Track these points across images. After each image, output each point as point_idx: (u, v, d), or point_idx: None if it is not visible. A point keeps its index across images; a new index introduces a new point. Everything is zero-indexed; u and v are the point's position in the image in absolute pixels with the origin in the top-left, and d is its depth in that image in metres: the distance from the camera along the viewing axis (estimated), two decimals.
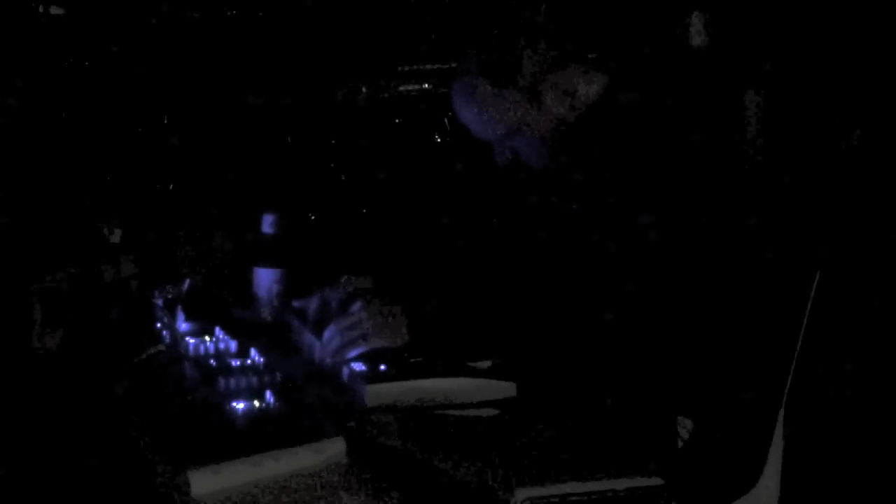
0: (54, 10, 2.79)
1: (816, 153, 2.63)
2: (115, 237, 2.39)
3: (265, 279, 2.12)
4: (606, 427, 1.55)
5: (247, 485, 1.30)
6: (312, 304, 1.94)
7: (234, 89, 2.94)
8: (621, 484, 1.31)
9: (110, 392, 1.74)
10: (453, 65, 1.84)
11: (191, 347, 1.81)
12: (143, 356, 1.85)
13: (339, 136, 3.08)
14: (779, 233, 1.67)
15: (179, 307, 1.99)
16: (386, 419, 1.54)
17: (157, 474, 1.39)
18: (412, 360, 1.72)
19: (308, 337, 1.88)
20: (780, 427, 1.70)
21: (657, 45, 1.84)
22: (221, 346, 1.82)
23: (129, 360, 1.85)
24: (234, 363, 1.72)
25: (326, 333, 1.78)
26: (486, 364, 1.70)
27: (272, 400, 1.56)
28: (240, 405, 1.54)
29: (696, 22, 2.67)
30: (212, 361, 1.73)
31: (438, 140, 3.07)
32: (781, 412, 1.70)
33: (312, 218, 2.97)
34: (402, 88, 3.06)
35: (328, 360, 1.76)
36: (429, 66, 3.04)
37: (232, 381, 1.62)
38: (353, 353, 1.73)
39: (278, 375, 1.66)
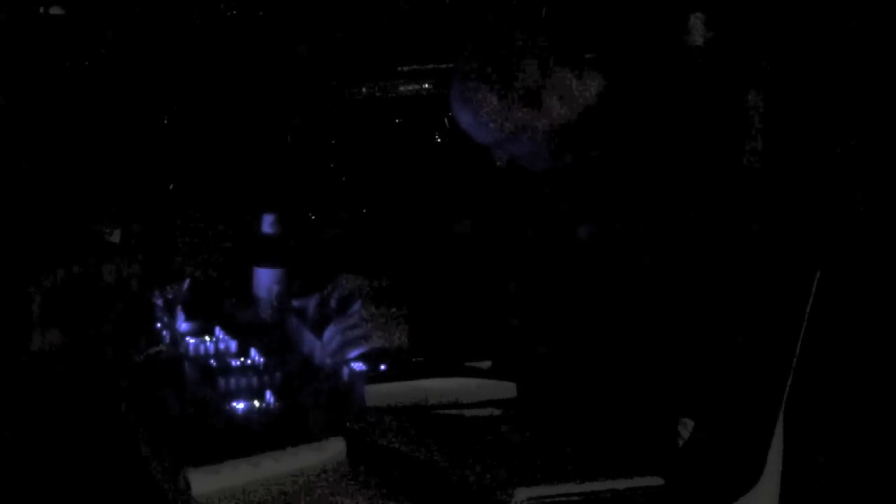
0: (54, 10, 2.79)
1: (817, 153, 2.63)
2: (115, 237, 2.38)
3: (265, 279, 2.12)
4: (606, 427, 1.55)
5: (247, 485, 1.30)
6: (312, 303, 1.94)
7: (234, 89, 2.94)
8: (621, 484, 1.31)
9: (110, 392, 1.74)
10: (453, 65, 1.84)
11: (191, 347, 1.81)
12: (143, 356, 1.85)
13: (339, 136, 3.08)
14: (779, 233, 1.66)
15: (179, 307, 1.99)
16: (386, 419, 1.54)
17: (157, 474, 1.39)
18: (412, 360, 1.72)
19: (308, 337, 1.88)
20: (780, 427, 1.70)
21: (656, 45, 1.83)
22: (221, 346, 1.82)
23: (129, 360, 1.85)
24: (234, 363, 1.72)
25: (326, 333, 1.78)
26: (486, 364, 1.70)
27: (272, 400, 1.56)
28: (240, 405, 1.54)
29: (696, 22, 2.67)
30: (212, 361, 1.73)
31: (438, 140, 3.07)
32: (781, 412, 1.69)
33: (312, 218, 2.97)
34: (402, 88, 3.06)
35: (328, 360, 1.76)
36: (429, 66, 3.04)
37: (232, 381, 1.62)
38: (354, 353, 1.74)
39: (278, 375, 1.66)
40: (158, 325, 2.01)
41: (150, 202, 2.71)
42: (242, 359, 1.74)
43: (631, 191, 1.68)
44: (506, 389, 1.64)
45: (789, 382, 1.69)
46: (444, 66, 2.96)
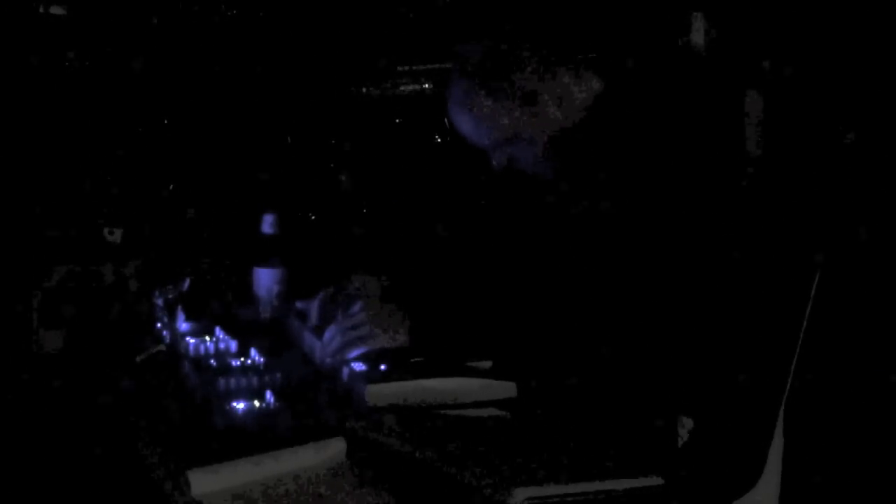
0: (54, 10, 2.79)
1: (817, 153, 2.63)
2: (116, 237, 2.38)
3: (265, 279, 2.12)
4: (606, 427, 1.55)
5: (247, 485, 1.30)
6: (314, 305, 1.93)
7: (234, 89, 2.94)
8: (621, 484, 1.31)
9: (110, 392, 1.74)
10: (450, 66, 1.83)
11: (191, 347, 1.81)
12: (143, 356, 1.85)
13: (339, 136, 3.08)
14: (779, 233, 1.66)
15: (179, 307, 1.99)
16: (386, 419, 1.54)
17: (158, 474, 1.39)
18: (412, 360, 1.72)
19: (308, 337, 1.88)
20: (780, 427, 1.70)
21: (654, 46, 1.83)
22: (221, 346, 1.82)
23: (129, 360, 1.85)
24: (234, 363, 1.72)
25: (327, 334, 1.78)
26: (486, 364, 1.70)
27: (272, 400, 1.56)
28: (240, 405, 1.54)
29: (695, 23, 2.67)
30: (212, 361, 1.73)
31: (438, 140, 3.07)
32: (781, 412, 1.69)
33: (312, 218, 2.97)
34: (402, 88, 3.06)
35: (329, 361, 1.77)
36: (429, 66, 3.04)
37: (232, 381, 1.62)
38: (354, 353, 1.74)
39: (278, 375, 1.66)
40: (158, 325, 2.01)
41: (150, 202, 2.71)
42: (242, 359, 1.74)
43: (631, 191, 1.68)
44: (506, 389, 1.64)
45: (789, 382, 1.69)
46: (444, 66, 2.96)
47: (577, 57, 1.73)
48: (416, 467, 1.36)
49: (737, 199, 1.66)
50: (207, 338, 1.85)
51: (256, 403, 1.55)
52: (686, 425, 1.62)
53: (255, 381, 1.63)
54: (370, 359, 1.72)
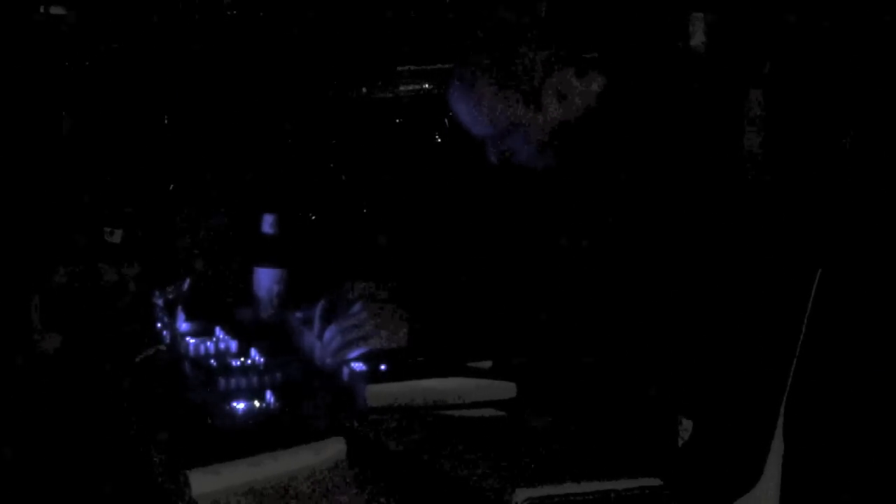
0: (54, 10, 2.79)
1: (817, 153, 2.63)
2: (116, 237, 2.39)
3: (265, 279, 2.12)
4: (606, 427, 1.55)
5: (247, 485, 1.30)
6: (317, 311, 1.92)
7: (235, 89, 2.94)
8: (621, 484, 1.31)
9: (110, 392, 1.74)
10: (457, 55, 1.83)
11: (191, 347, 1.81)
12: (143, 356, 1.86)
13: (339, 136, 3.08)
14: (779, 233, 1.66)
15: (179, 307, 1.99)
16: (386, 419, 1.54)
17: (157, 474, 1.39)
18: (412, 360, 1.72)
19: (308, 337, 1.88)
20: (780, 427, 1.70)
21: (656, 47, 1.84)
22: (221, 346, 1.82)
23: (129, 360, 1.85)
24: (234, 363, 1.72)
25: (327, 333, 1.78)
26: (486, 364, 1.70)
27: (272, 400, 1.56)
28: (240, 405, 1.54)
29: (696, 23, 2.67)
30: (212, 361, 1.73)
31: (438, 140, 3.07)
32: (781, 412, 1.69)
33: (313, 218, 2.97)
34: (402, 88, 3.06)
35: (329, 361, 1.76)
36: (429, 66, 3.04)
37: (232, 381, 1.62)
38: (354, 353, 1.74)
39: (278, 375, 1.66)
40: (159, 325, 2.01)
41: (150, 202, 2.71)
42: (242, 359, 1.75)
43: (631, 190, 1.68)
44: (506, 389, 1.64)
45: (789, 382, 1.69)
46: (444, 65, 2.96)
47: (582, 56, 1.73)
48: (415, 467, 1.36)
49: (737, 199, 1.66)
50: (207, 338, 1.85)
51: (256, 403, 1.55)
52: (686, 425, 1.62)
53: (255, 381, 1.63)
54: (370, 359, 1.72)
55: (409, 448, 1.41)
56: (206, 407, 1.57)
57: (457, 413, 1.59)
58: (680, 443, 1.63)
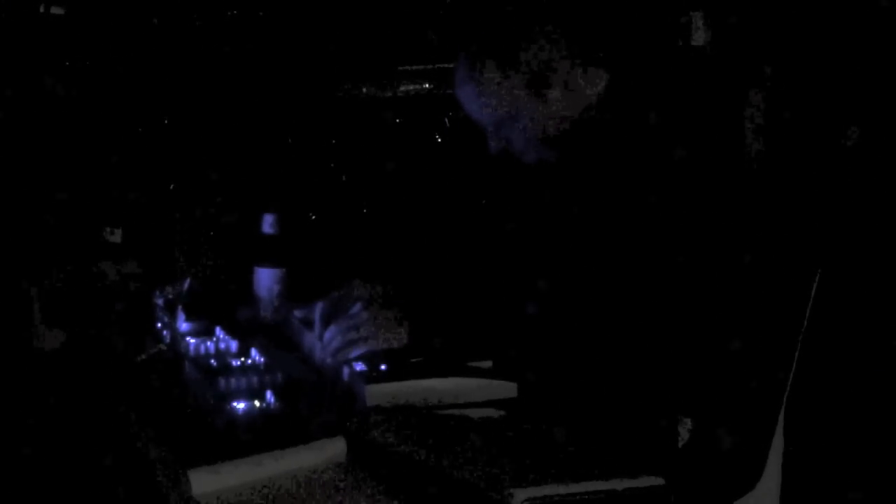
0: (54, 10, 2.79)
1: (817, 153, 2.63)
2: (116, 237, 2.38)
3: (265, 279, 2.12)
4: (606, 426, 1.55)
5: (247, 485, 1.30)
6: (317, 311, 1.92)
7: (235, 89, 2.94)
8: (621, 484, 1.31)
9: (111, 392, 1.74)
10: (453, 65, 1.83)
11: (191, 347, 1.81)
12: (144, 356, 1.85)
13: (339, 135, 3.08)
14: (779, 232, 1.66)
15: (179, 307, 1.99)
16: (386, 419, 1.54)
17: (157, 474, 1.39)
18: (412, 360, 1.72)
19: (308, 337, 1.88)
20: (780, 427, 1.70)
21: (658, 46, 1.83)
22: (221, 346, 1.82)
23: (129, 360, 1.85)
24: (234, 363, 1.72)
25: (327, 334, 1.78)
26: (486, 364, 1.70)
27: (272, 400, 1.56)
28: (240, 405, 1.54)
29: (697, 22, 2.67)
30: (212, 361, 1.73)
31: (438, 140, 3.07)
32: (781, 412, 1.69)
33: (313, 218, 2.97)
34: (402, 88, 3.06)
35: (329, 361, 1.76)
36: (429, 66, 3.04)
37: (232, 381, 1.62)
38: (354, 353, 1.74)
39: (278, 375, 1.66)
40: (159, 325, 2.01)
41: (150, 202, 2.71)
42: (242, 359, 1.74)
43: (631, 188, 1.68)
44: (506, 389, 1.64)
45: (790, 382, 1.69)
46: (444, 65, 2.96)
47: (589, 51, 1.73)
48: (415, 467, 1.36)
49: (737, 199, 1.66)
50: (207, 338, 1.85)
51: (256, 403, 1.55)
52: (686, 425, 1.62)
53: (255, 381, 1.63)
54: (370, 359, 1.72)
55: (408, 448, 1.41)
56: (206, 407, 1.57)
57: (457, 413, 1.59)
58: (680, 442, 1.63)
